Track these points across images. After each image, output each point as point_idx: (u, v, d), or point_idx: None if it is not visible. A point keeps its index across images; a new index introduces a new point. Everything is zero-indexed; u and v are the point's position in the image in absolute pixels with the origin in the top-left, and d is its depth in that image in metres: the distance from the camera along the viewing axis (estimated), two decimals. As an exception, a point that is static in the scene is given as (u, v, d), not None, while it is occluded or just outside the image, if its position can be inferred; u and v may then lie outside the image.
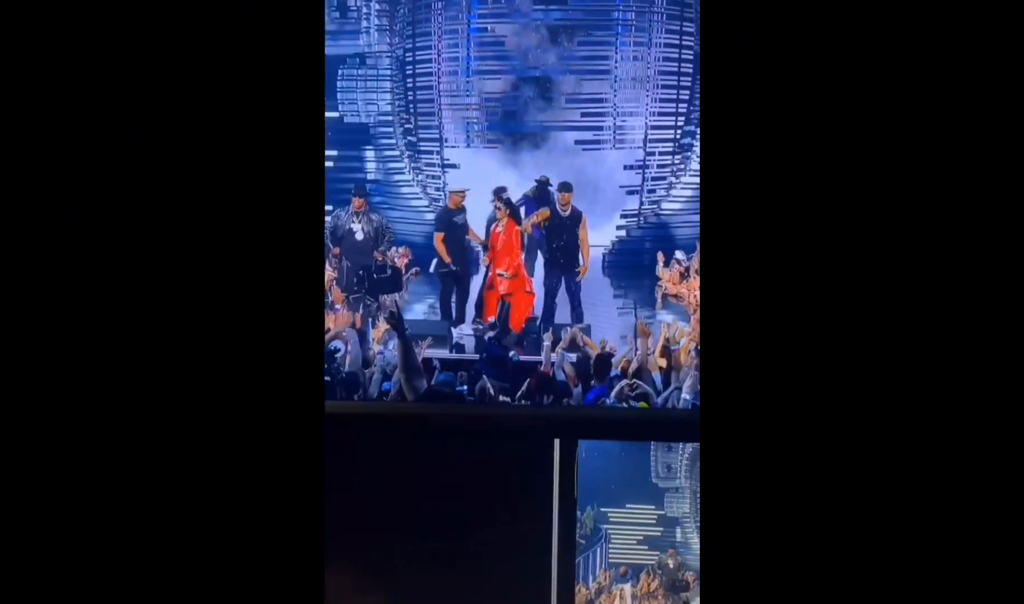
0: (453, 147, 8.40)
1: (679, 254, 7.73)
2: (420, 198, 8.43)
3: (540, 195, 7.83)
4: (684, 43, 8.35)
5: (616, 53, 8.35)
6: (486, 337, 6.97)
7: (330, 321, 7.01)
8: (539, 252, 7.81)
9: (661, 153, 8.28)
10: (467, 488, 3.70)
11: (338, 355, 6.17)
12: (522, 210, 7.86)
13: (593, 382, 5.94)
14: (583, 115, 8.29)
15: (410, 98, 8.49)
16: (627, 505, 4.06)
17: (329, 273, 7.60)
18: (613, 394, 5.23)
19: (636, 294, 8.02)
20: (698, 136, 8.00)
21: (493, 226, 7.75)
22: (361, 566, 3.65)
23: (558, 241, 7.69)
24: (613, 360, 6.19)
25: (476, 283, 7.91)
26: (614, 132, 8.29)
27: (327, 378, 5.72)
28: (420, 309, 8.05)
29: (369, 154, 8.55)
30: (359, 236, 7.85)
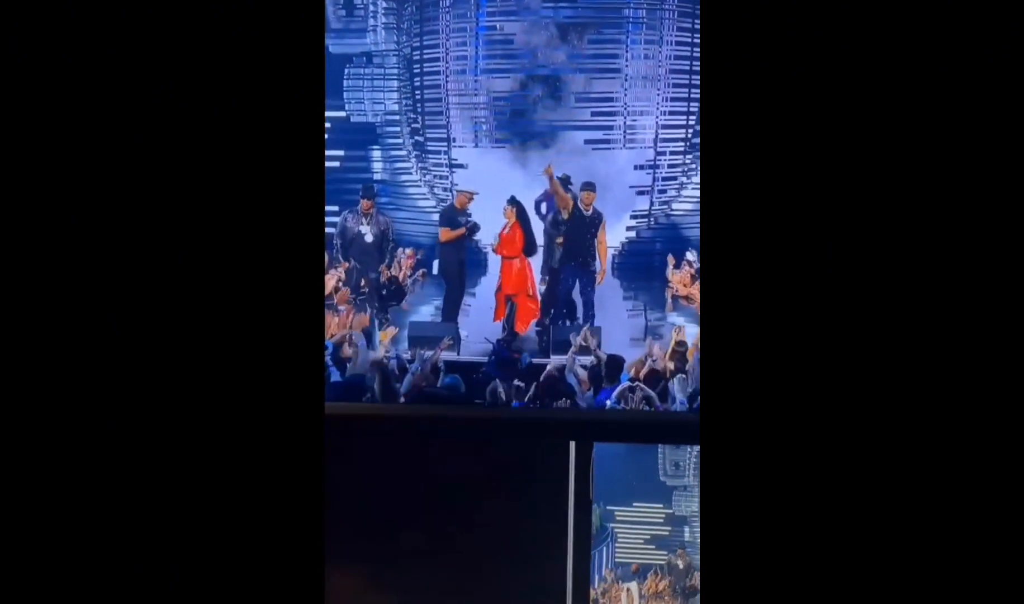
0: (461, 147, 8.41)
1: (690, 255, 7.73)
2: (427, 198, 8.44)
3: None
4: (695, 41, 8.33)
5: (627, 51, 8.35)
6: (495, 340, 6.97)
7: (335, 324, 7.02)
8: (548, 249, 7.76)
9: (672, 153, 8.27)
10: (483, 489, 3.72)
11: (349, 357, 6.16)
12: (543, 206, 7.85)
13: (604, 384, 5.93)
14: (593, 114, 8.29)
15: (417, 97, 8.50)
16: (634, 504, 4.02)
17: (334, 277, 7.60)
18: (615, 395, 5.19)
19: (646, 296, 8.01)
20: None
21: (502, 229, 7.75)
22: (377, 566, 3.68)
23: (578, 239, 7.63)
24: (625, 364, 6.18)
25: (481, 285, 7.91)
26: (624, 131, 8.29)
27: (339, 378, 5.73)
28: (427, 311, 8.06)
29: (376, 154, 8.56)
30: (368, 238, 7.85)
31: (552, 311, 7.74)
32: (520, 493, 3.77)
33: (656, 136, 8.28)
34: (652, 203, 8.33)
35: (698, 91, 8.34)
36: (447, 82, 8.45)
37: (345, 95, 8.39)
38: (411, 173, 8.53)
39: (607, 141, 8.31)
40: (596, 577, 3.94)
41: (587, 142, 8.32)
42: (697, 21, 8.34)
